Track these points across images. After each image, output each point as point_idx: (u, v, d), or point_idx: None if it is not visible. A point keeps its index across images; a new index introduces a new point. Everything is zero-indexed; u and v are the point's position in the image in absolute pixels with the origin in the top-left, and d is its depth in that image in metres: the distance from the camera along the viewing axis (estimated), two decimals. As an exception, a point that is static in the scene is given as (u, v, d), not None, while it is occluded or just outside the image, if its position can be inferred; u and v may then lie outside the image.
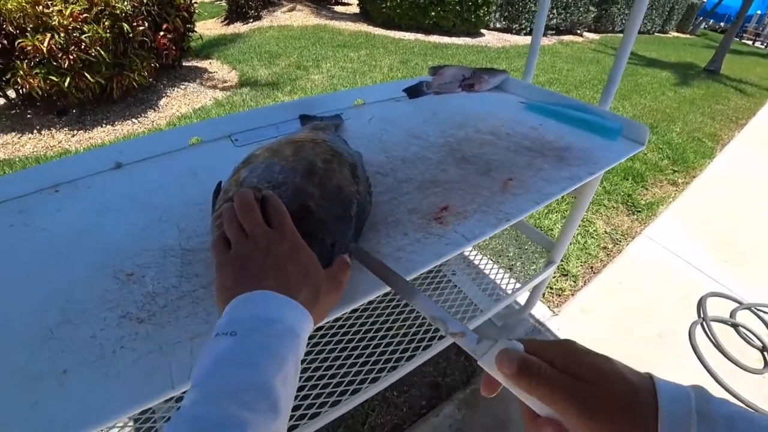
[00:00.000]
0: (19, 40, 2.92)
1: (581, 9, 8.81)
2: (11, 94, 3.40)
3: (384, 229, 0.51)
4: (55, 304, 0.46)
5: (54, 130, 3.37)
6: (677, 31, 14.10)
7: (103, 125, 3.43)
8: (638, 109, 4.52)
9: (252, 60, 4.84)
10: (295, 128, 0.82)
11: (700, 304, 1.77)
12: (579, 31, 9.40)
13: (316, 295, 0.34)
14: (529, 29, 8.10)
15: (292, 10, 7.42)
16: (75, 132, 3.35)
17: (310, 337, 0.98)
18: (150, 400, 0.37)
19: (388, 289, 0.44)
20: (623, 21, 10.41)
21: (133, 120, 3.50)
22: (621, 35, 10.98)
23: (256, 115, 0.81)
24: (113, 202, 0.64)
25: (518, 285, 1.20)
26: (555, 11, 8.25)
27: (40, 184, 0.70)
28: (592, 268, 1.95)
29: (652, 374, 0.26)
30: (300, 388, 0.82)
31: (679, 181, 2.95)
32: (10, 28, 2.97)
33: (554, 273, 1.76)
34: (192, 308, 0.43)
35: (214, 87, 4.12)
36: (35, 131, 3.36)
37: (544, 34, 8.37)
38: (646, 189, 2.79)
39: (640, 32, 11.70)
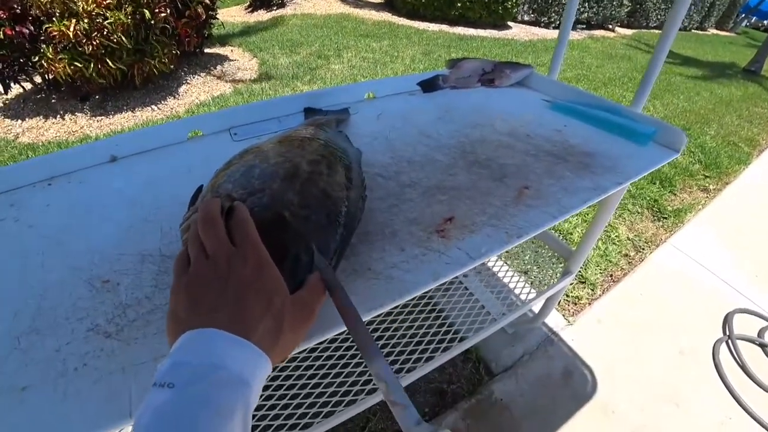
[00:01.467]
0: (47, 26, 2.97)
1: (614, 3, 8.47)
2: (37, 79, 3.47)
3: (379, 242, 0.46)
4: (28, 309, 0.44)
5: (77, 116, 3.43)
6: (716, 28, 13.45)
7: (124, 111, 3.47)
8: (670, 109, 4.32)
9: (273, 48, 4.81)
10: (298, 122, 0.78)
11: (726, 321, 1.66)
12: (611, 26, 9.05)
13: (277, 329, 0.29)
14: (558, 23, 7.83)
15: (319, -1, 7.35)
16: (97, 118, 3.40)
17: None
18: (105, 428, 0.33)
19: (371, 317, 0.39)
20: (658, 16, 9.97)
21: (153, 107, 3.52)
22: (656, 31, 10.55)
23: (259, 108, 0.77)
24: (102, 198, 0.61)
25: (533, 292, 1.13)
26: (587, 5, 7.94)
27: (35, 177, 0.68)
28: (611, 276, 1.86)
29: None
30: (292, 396, 0.78)
31: (711, 187, 2.80)
32: (38, 13, 3.01)
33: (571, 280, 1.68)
34: (161, 324, 0.40)
35: (234, 75, 4.12)
36: (59, 116, 3.42)
37: (574, 29, 8.09)
38: (674, 194, 2.66)
39: (675, 28, 11.14)
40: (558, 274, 1.60)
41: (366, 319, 0.39)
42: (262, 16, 6.46)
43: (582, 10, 7.95)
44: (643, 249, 2.08)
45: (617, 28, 9.27)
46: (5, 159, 2.91)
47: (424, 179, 0.57)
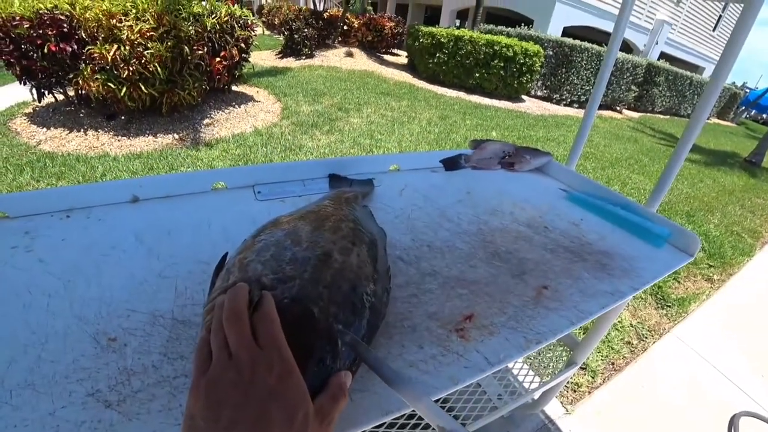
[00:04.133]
0: (89, 47, 3.13)
1: (623, 87, 8.91)
2: (70, 92, 3.60)
3: (397, 335, 0.45)
4: (26, 359, 0.42)
5: (100, 132, 3.52)
6: (718, 118, 14.07)
7: (146, 135, 3.56)
8: (674, 194, 4.40)
9: (297, 95, 5.02)
10: (322, 187, 0.79)
11: (732, 424, 1.58)
12: (618, 108, 9.47)
13: None
14: (569, 100, 8.20)
15: (348, 55, 7.78)
16: (119, 137, 3.49)
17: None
18: None
19: (386, 418, 0.38)
20: (663, 103, 10.47)
21: (174, 135, 3.62)
22: (660, 116, 10.93)
23: (284, 169, 0.79)
24: (119, 242, 0.60)
25: (535, 380, 1.10)
26: (597, 87, 8.35)
27: (54, 206, 0.68)
28: (613, 364, 1.80)
29: None
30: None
31: (715, 277, 2.78)
32: (84, 35, 3.19)
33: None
34: (167, 401, 0.38)
35: (257, 116, 4.26)
36: (83, 130, 3.52)
37: (584, 107, 8.42)
38: (678, 282, 2.64)
39: (679, 116, 11.64)
40: (560, 358, 1.55)
41: (382, 421, 0.38)
42: (291, 63, 6.81)
43: (592, 90, 8.34)
44: (646, 338, 2.03)
45: (624, 110, 9.69)
46: (22, 163, 2.95)
47: (445, 269, 0.57)
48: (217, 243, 0.60)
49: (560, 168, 1.04)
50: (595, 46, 7.83)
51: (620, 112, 9.40)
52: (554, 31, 10.07)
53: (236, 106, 4.34)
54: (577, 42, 7.76)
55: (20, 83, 3.37)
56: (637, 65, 8.88)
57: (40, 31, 3.03)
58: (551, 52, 7.70)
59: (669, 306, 2.34)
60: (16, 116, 3.74)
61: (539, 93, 8.19)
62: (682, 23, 14.60)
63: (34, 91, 3.42)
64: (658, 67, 9.61)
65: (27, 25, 3.00)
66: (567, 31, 10.59)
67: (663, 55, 14.06)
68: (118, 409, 0.37)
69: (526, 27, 8.37)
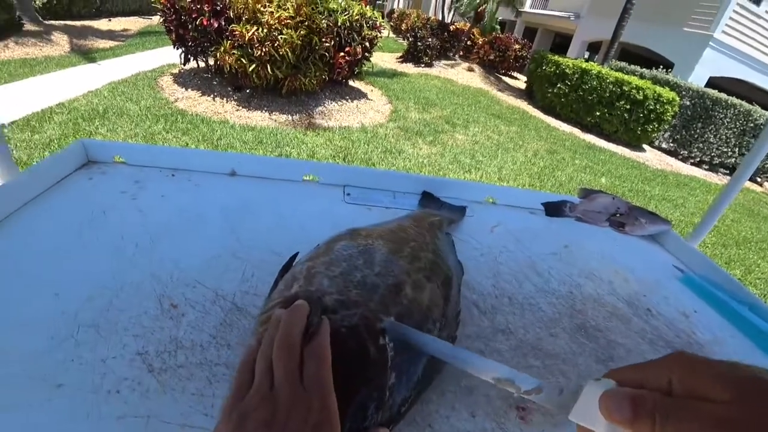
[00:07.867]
0: (233, 25, 3.50)
1: (770, 157, 7.63)
2: (210, 62, 4.07)
3: (450, 394, 0.39)
4: (100, 300, 0.45)
5: (225, 101, 3.91)
6: None
7: (263, 111, 3.88)
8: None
9: (409, 101, 5.09)
10: (413, 203, 0.76)
11: None
12: (759, 180, 8.13)
13: None
14: (698, 160, 7.25)
15: (466, 70, 7.76)
16: (239, 108, 3.84)
17: None
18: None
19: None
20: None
21: (288, 116, 3.89)
22: (816, 201, 9.11)
23: (377, 176, 0.77)
24: (207, 211, 0.64)
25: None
26: (737, 150, 7.22)
27: (164, 163, 0.75)
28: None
29: None
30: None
31: None
32: (231, 14, 3.58)
33: None
34: (203, 386, 0.37)
35: (366, 113, 4.41)
36: (212, 96, 3.94)
37: (715, 171, 7.38)
38: None
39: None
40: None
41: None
42: (410, 69, 6.95)
43: (729, 153, 7.25)
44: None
45: (766, 183, 8.30)
46: (159, 115, 3.38)
47: (521, 329, 0.50)
48: (295, 237, 0.60)
49: (679, 241, 0.89)
50: (744, 104, 6.78)
51: (761, 185, 8.07)
52: (697, 80, 8.87)
53: (349, 100, 4.53)
54: (723, 96, 6.79)
55: (173, 48, 3.89)
56: (796, 135, 7.56)
57: (198, 6, 3.46)
58: (688, 102, 6.86)
59: None
60: (165, 74, 4.31)
61: (664, 145, 7.35)
62: None
63: (181, 55, 3.92)
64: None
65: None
66: (711, 82, 9.31)
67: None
68: (158, 377, 0.38)
69: (664, 70, 7.58)
